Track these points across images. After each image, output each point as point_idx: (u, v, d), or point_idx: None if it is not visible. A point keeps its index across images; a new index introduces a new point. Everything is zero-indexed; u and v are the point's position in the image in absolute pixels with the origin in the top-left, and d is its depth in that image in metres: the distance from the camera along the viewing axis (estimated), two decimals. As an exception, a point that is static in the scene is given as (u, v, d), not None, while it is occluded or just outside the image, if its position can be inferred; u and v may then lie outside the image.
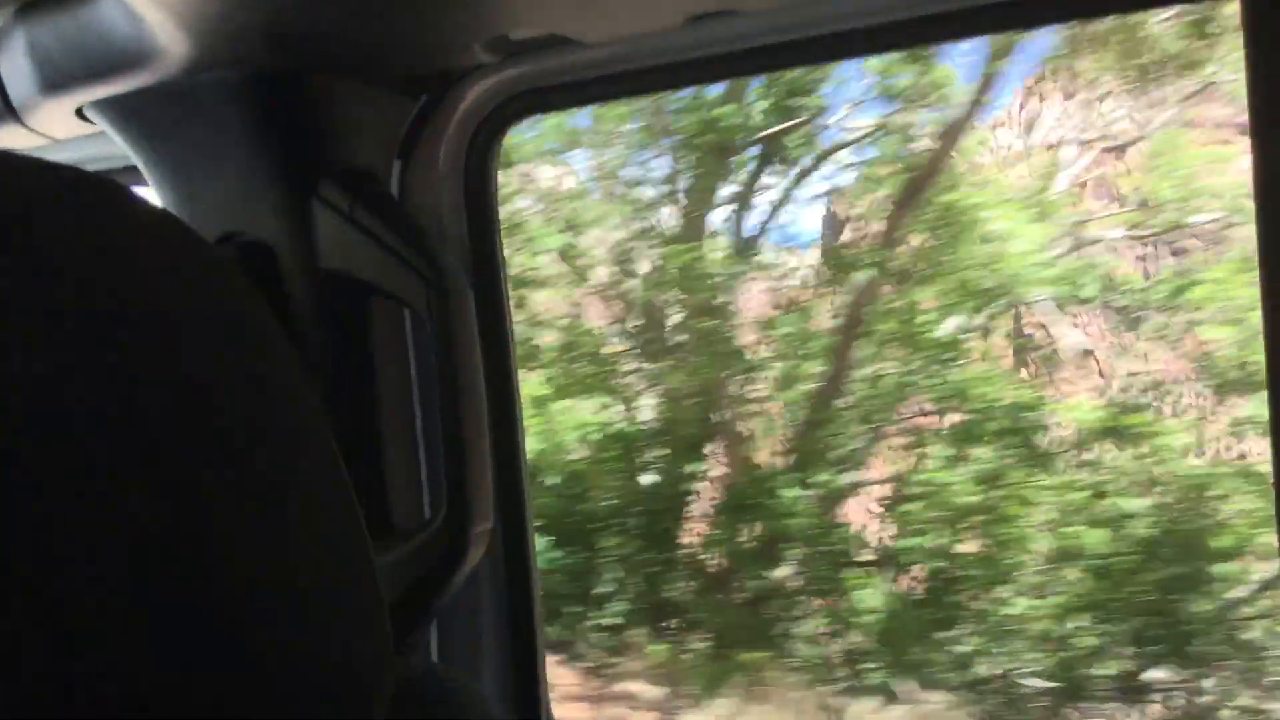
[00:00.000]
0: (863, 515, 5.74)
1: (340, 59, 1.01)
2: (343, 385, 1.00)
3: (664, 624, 5.74)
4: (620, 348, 6.14)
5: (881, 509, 5.64)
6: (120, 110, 1.02)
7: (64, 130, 1.11)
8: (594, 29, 1.02)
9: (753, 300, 6.07)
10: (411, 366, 1.01)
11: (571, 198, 6.16)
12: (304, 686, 0.52)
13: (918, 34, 1.04)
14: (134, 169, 1.06)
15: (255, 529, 0.52)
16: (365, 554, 0.60)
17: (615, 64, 1.10)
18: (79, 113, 1.05)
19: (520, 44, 1.03)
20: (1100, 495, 4.97)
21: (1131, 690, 4.83)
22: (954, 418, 5.40)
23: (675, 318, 5.91)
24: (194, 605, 0.48)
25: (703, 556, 5.80)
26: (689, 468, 5.92)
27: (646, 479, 6.02)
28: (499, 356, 1.13)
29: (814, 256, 6.24)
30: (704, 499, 5.97)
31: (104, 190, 0.56)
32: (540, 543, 5.78)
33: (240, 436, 0.54)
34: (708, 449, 5.93)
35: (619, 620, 5.73)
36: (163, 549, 0.47)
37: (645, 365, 6.02)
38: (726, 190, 5.86)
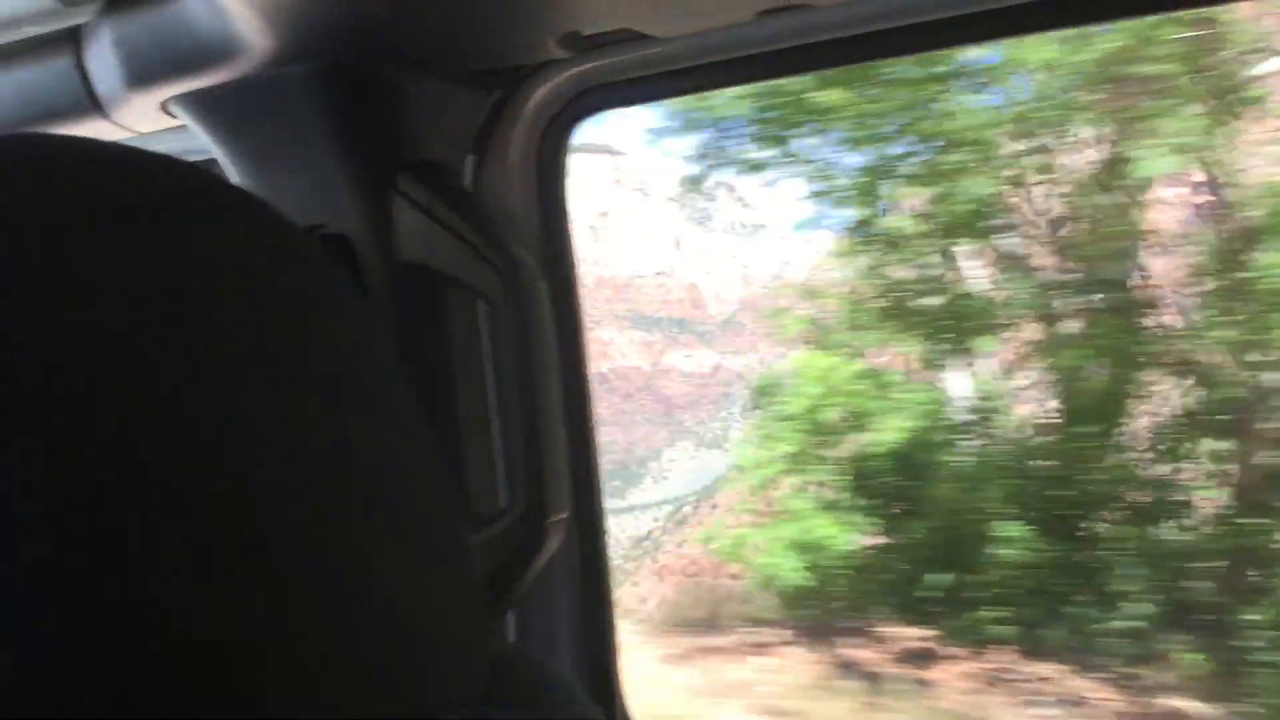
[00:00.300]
0: None
1: (418, 54, 1.03)
2: (419, 375, 1.02)
3: (1204, 629, 4.99)
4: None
5: None
6: (204, 104, 1.04)
7: (148, 124, 1.14)
8: (666, 24, 1.03)
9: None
10: (486, 358, 1.03)
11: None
12: (406, 669, 0.53)
13: (995, 27, 1.04)
14: (215, 162, 1.09)
15: (357, 514, 0.53)
16: (464, 538, 0.61)
17: (686, 58, 1.11)
18: (163, 107, 1.08)
19: (592, 39, 1.04)
20: None
21: None
22: None
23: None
24: (296, 593, 0.49)
25: (1246, 550, 5.04)
26: (1205, 444, 5.20)
27: (1153, 460, 5.33)
28: (571, 347, 1.14)
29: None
30: (1232, 482, 5.23)
31: (195, 176, 0.58)
32: (1020, 531, 5.31)
33: (340, 422, 0.55)
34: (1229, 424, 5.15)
35: (1139, 623, 5.05)
36: (262, 534, 0.49)
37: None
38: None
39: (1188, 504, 5.30)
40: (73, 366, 0.46)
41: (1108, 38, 5.20)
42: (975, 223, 5.74)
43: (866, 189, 5.97)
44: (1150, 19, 5.01)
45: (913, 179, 5.91)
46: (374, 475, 0.56)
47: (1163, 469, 5.35)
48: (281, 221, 0.59)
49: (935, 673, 5.51)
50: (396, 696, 0.53)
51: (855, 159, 5.95)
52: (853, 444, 5.96)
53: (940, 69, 5.54)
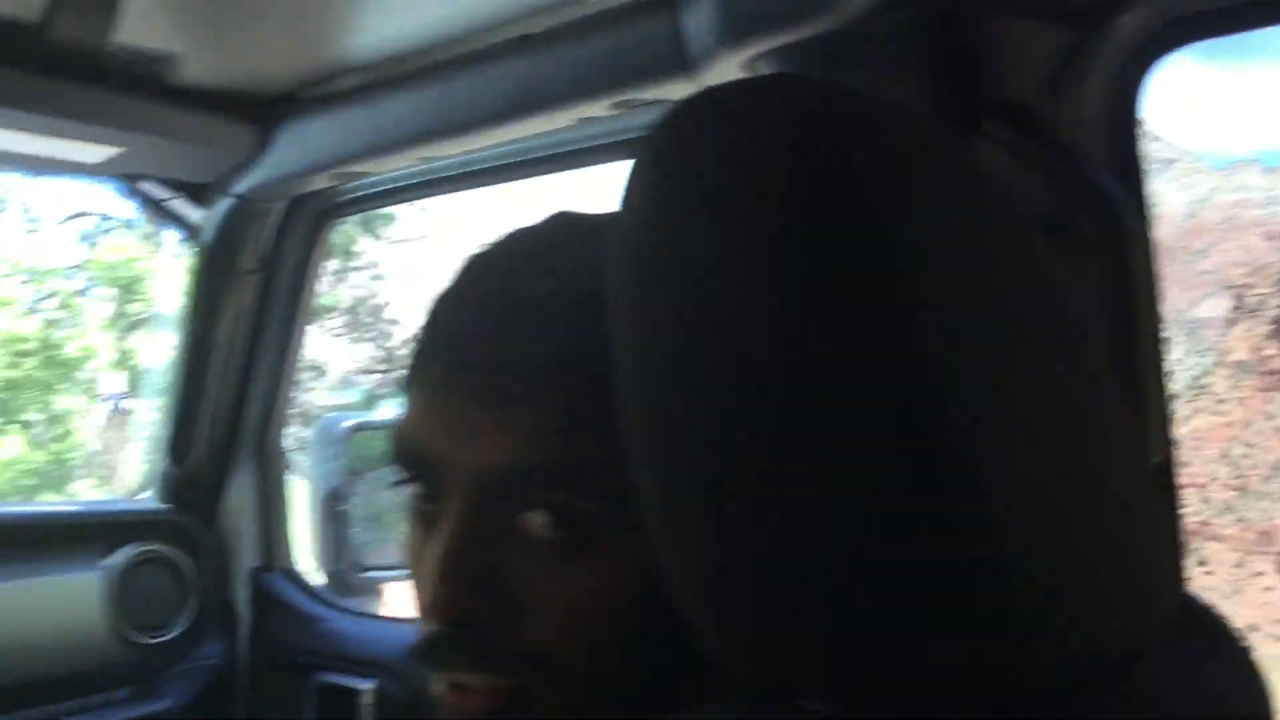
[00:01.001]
0: None
1: None
2: None
3: None
4: None
5: None
6: (793, 58, 1.08)
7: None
8: None
9: None
10: (1078, 299, 1.01)
11: None
12: (1129, 597, 0.54)
13: None
14: None
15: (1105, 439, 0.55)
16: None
17: None
18: (749, 65, 1.13)
19: None
20: None
21: None
22: None
23: None
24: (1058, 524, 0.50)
25: None
26: None
27: None
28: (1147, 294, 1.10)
29: None
30: None
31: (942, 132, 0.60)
32: None
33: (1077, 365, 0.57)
34: None
35: None
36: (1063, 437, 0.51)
37: None
38: None
39: None
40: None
41: None
42: None
43: None
44: None
45: None
46: (1105, 415, 0.57)
47: None
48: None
49: None
50: (1117, 628, 0.53)
51: None
52: None
53: None
